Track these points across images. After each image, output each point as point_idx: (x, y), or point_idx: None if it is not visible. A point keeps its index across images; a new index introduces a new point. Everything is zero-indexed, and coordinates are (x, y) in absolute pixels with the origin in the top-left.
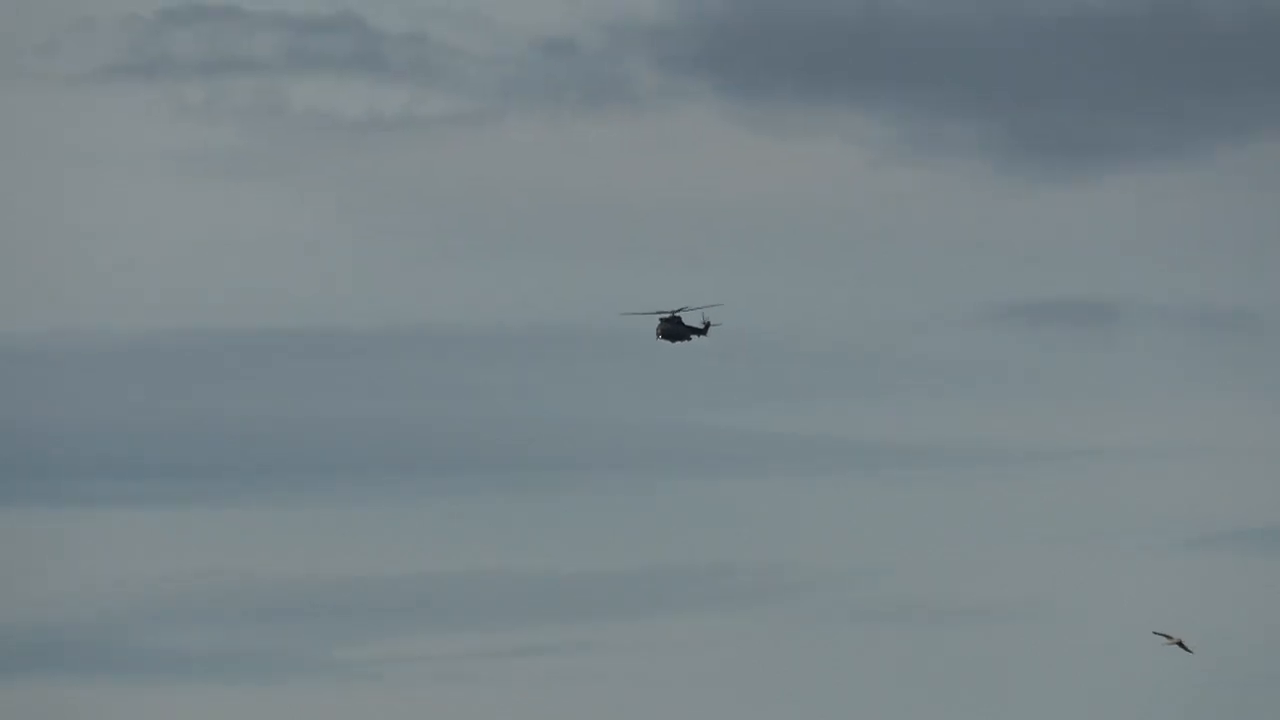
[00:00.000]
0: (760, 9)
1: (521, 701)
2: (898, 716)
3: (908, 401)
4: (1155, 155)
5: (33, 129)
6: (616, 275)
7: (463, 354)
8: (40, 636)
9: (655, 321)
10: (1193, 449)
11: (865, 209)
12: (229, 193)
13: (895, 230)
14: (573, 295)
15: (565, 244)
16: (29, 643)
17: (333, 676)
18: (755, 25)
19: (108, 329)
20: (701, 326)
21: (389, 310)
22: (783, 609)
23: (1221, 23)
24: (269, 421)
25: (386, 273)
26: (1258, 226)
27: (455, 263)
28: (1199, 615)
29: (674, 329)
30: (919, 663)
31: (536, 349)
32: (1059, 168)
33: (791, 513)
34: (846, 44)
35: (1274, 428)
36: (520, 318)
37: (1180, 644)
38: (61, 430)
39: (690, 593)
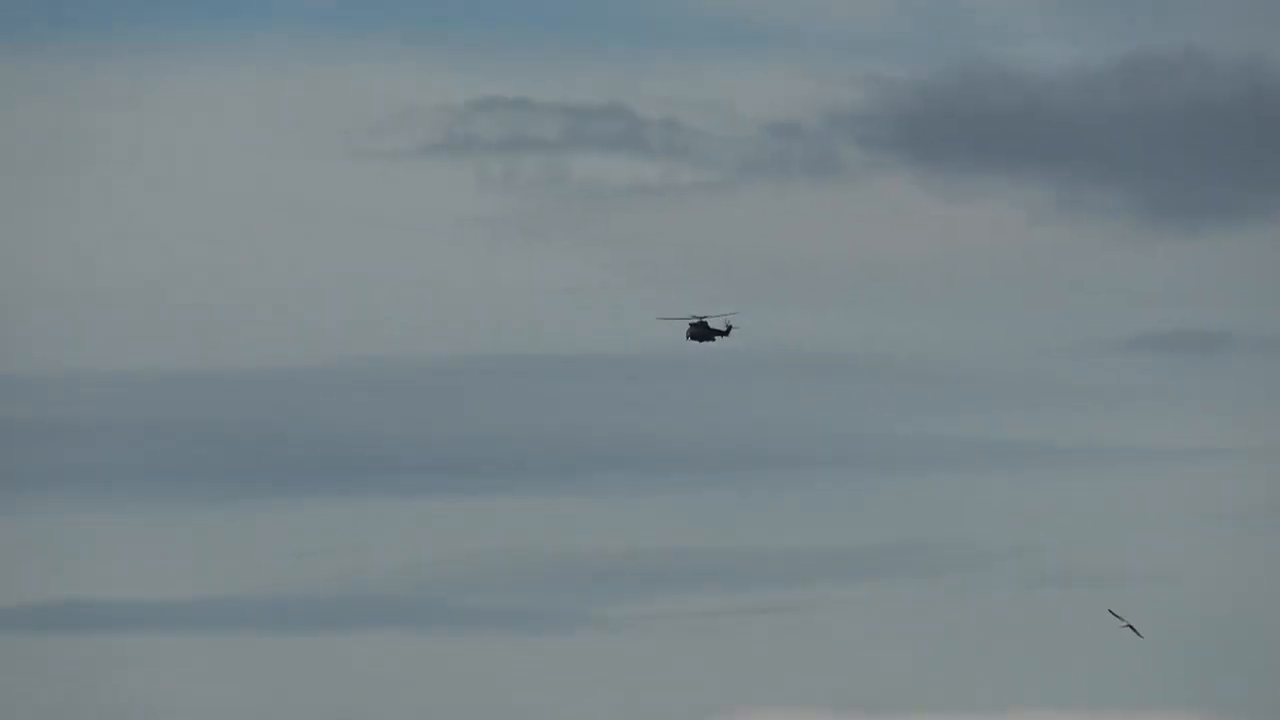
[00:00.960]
0: (941, 98)
1: (754, 651)
2: (1078, 676)
3: (1064, 413)
4: (1255, 215)
5: (366, 197)
6: (825, 316)
7: (702, 374)
8: (373, 598)
9: (685, 326)
10: None
11: (1024, 258)
12: (522, 250)
13: (1048, 275)
14: (793, 327)
15: (786, 290)
16: (372, 602)
17: (606, 630)
18: (937, 111)
19: (430, 354)
20: (724, 329)
21: (650, 337)
22: (969, 578)
23: None
24: (566, 431)
25: (647, 308)
26: None
27: (697, 300)
28: None
29: (700, 331)
30: (1087, 629)
31: (764, 369)
32: (1181, 224)
33: (980, 499)
34: (1011, 125)
35: None
36: (753, 344)
37: (1131, 627)
38: (411, 436)
39: (895, 564)
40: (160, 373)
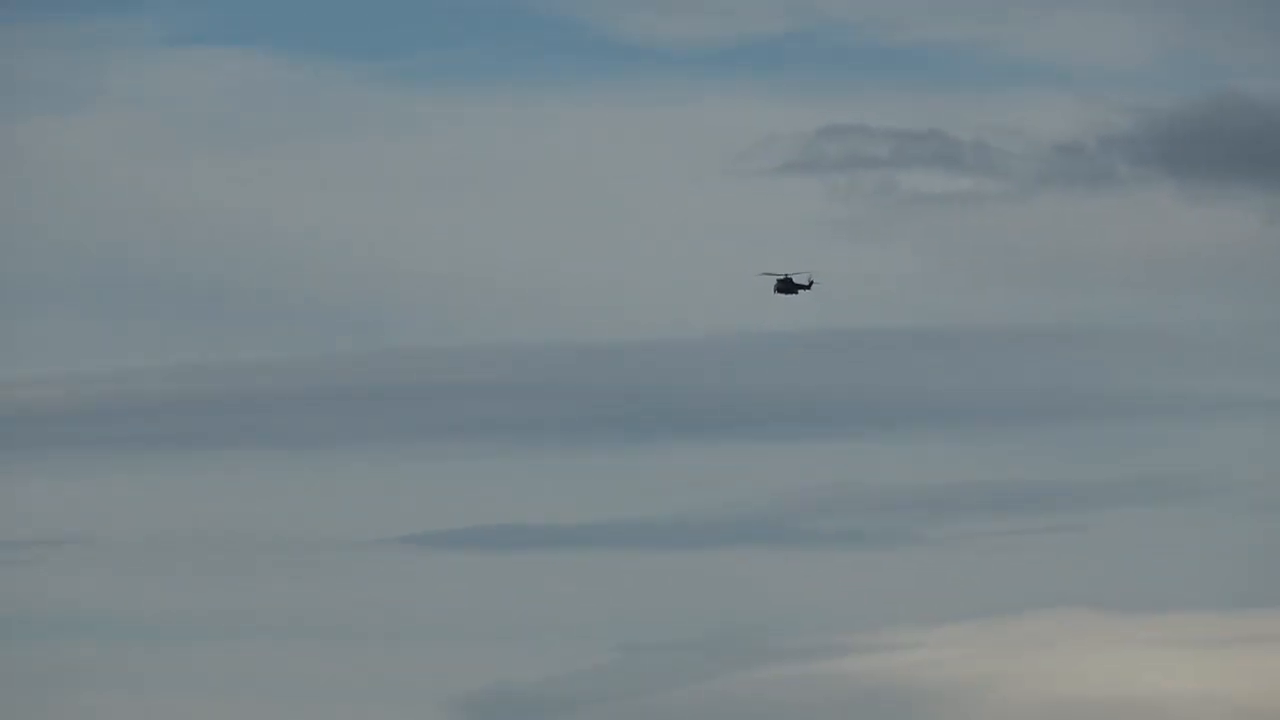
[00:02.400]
0: (1196, 122)
1: (1037, 566)
2: None
3: None
4: None
5: (737, 206)
6: (1100, 298)
7: (1003, 340)
8: (744, 522)
9: (773, 281)
10: None
11: (1260, 254)
12: (860, 247)
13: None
14: (1076, 307)
15: (1069, 280)
16: (744, 525)
17: (926, 545)
18: (1192, 133)
19: (785, 328)
20: (806, 284)
21: (960, 313)
22: (1207, 506)
23: None
24: (896, 389)
25: (959, 293)
26: None
27: (996, 287)
28: None
29: (786, 286)
30: None
31: (1049, 339)
32: None
33: (1231, 441)
34: (1253, 144)
35: None
36: (1019, 321)
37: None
38: (774, 396)
39: (1163, 493)
40: (599, 344)
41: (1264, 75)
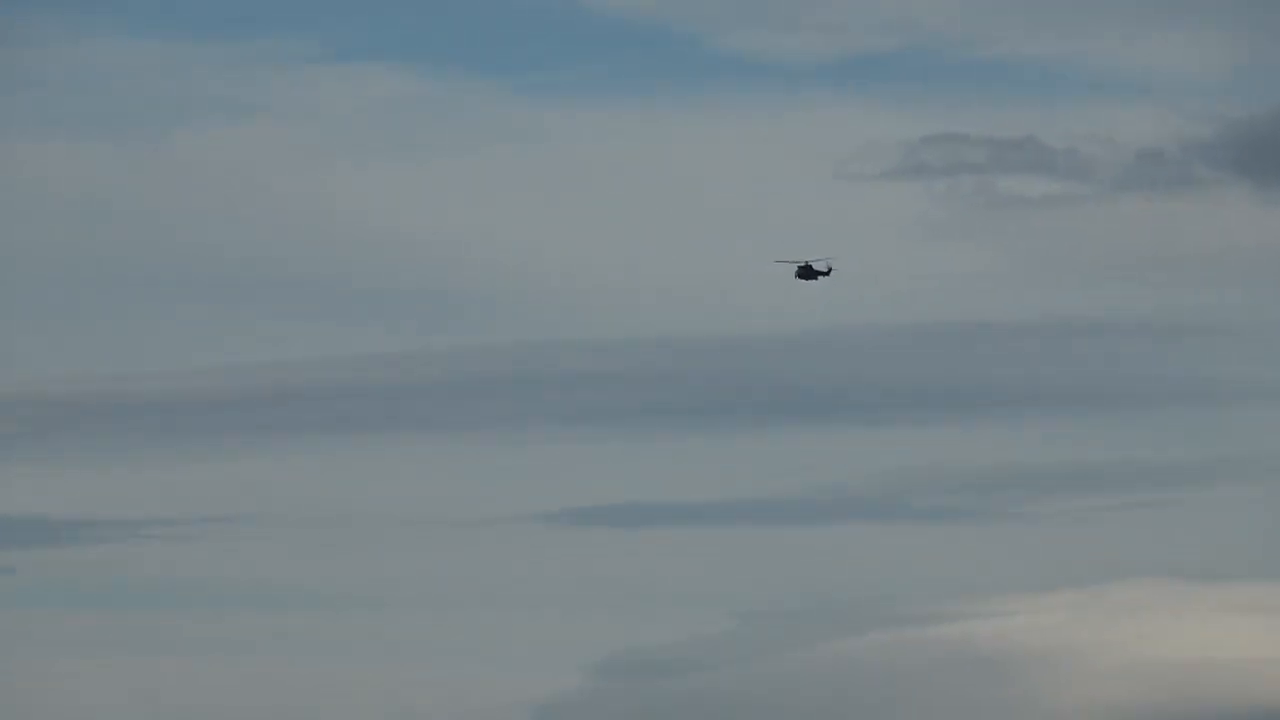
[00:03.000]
0: (1266, 130)
1: (1124, 539)
2: None
3: None
4: None
5: (847, 208)
6: (1183, 291)
7: (1088, 331)
8: (856, 501)
9: (794, 267)
10: None
11: None
12: (960, 244)
13: None
14: (1160, 298)
15: (1156, 275)
16: (856, 503)
17: (1022, 521)
18: (1264, 139)
19: (888, 320)
20: (825, 270)
21: (1047, 307)
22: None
23: None
24: (994, 378)
25: (1047, 288)
26: None
27: (1084, 282)
28: None
29: (806, 272)
30: None
31: (1140, 328)
32: None
33: None
34: None
35: None
36: (1106, 313)
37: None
38: (900, 382)
39: (1242, 472)
40: (718, 336)
41: None
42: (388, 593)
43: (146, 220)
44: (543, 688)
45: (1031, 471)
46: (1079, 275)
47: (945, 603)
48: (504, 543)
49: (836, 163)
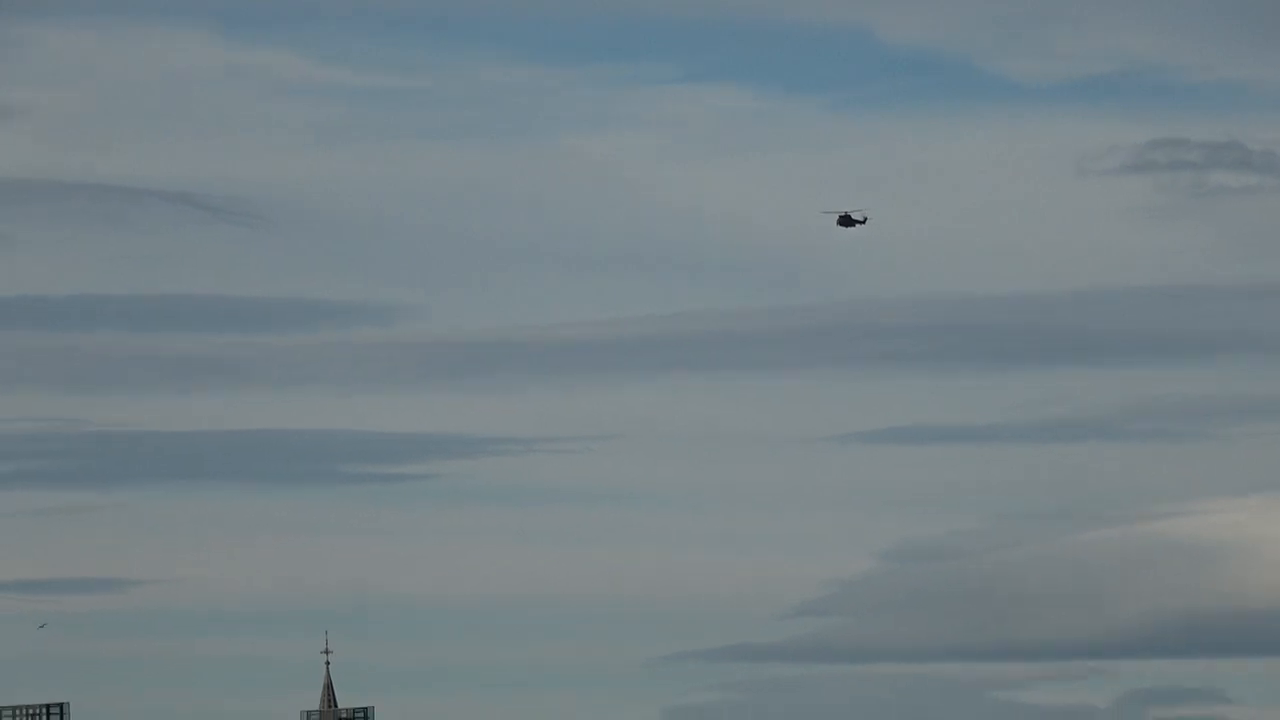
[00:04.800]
0: None
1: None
2: None
3: None
4: None
5: (1086, 198)
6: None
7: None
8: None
9: (834, 216)
10: None
11: None
12: (1176, 227)
13: None
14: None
15: None
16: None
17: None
18: None
19: (1087, 286)
20: (861, 219)
21: (1231, 272)
22: None
23: None
24: (1169, 331)
25: (1241, 259)
26: None
27: (1266, 251)
28: None
29: (845, 220)
30: None
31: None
32: None
33: None
34: None
35: None
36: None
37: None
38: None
39: None
40: (990, 294)
41: None
42: (735, 496)
43: (549, 208)
44: (843, 569)
45: (1230, 402)
46: (1272, 248)
47: (1162, 505)
48: (816, 458)
49: (1080, 160)
